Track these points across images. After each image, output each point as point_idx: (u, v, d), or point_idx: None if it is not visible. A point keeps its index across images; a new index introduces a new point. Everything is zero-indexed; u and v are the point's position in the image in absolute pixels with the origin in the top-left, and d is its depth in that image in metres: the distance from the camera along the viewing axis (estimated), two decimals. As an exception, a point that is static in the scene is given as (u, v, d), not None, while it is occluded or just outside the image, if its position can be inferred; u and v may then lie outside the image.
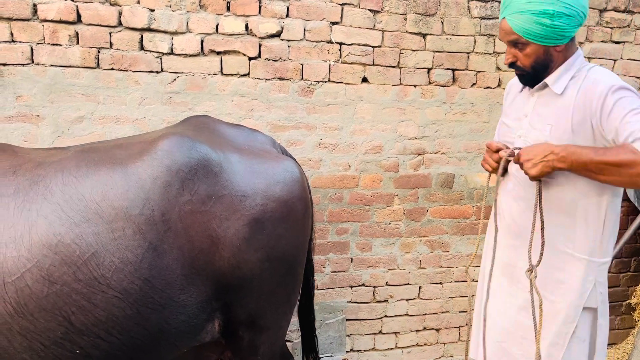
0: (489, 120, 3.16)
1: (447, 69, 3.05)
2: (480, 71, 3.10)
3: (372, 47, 2.92)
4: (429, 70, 3.03)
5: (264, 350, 2.13)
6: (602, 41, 3.22)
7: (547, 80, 1.83)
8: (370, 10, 2.88)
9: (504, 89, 3.10)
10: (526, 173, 1.73)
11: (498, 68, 3.13)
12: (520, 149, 1.81)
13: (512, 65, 1.86)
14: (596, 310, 1.83)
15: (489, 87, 3.13)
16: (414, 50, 2.98)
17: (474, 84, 3.10)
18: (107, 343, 1.71)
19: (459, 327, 3.33)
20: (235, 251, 1.88)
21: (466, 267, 2.29)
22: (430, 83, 3.04)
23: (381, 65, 2.95)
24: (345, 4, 2.83)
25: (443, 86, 3.06)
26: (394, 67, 2.97)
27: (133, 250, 1.71)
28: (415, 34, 2.96)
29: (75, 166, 1.77)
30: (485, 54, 3.09)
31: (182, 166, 1.82)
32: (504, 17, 1.79)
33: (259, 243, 1.93)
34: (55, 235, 1.64)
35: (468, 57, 3.07)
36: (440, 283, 3.26)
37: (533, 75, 1.84)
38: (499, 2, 3.03)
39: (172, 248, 1.78)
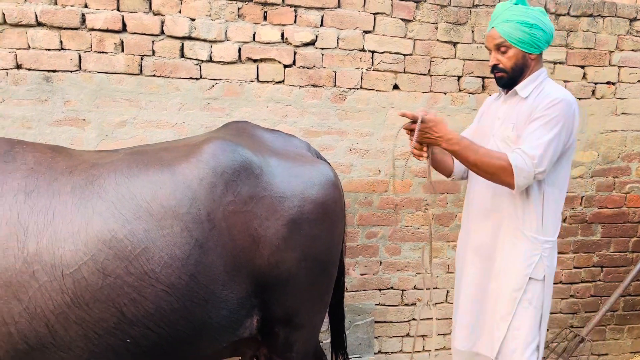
0: (517, 128, 3.19)
1: (477, 76, 3.10)
2: (509, 79, 3.14)
3: (404, 55, 3.00)
4: (459, 77, 3.09)
5: (298, 347, 2.20)
6: (632, 50, 3.25)
7: (517, 87, 2.20)
8: (402, 19, 2.95)
9: (533, 96, 3.16)
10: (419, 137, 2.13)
11: (527, 76, 3.16)
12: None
13: (494, 67, 2.21)
14: (543, 281, 2.17)
15: (518, 95, 3.17)
16: (444, 59, 3.05)
17: (503, 92, 3.15)
18: (155, 334, 1.81)
19: (486, 331, 3.36)
20: (274, 250, 1.96)
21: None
22: (460, 90, 3.10)
23: (412, 73, 3.02)
24: (378, 13, 2.92)
25: (473, 93, 3.12)
26: (424, 74, 3.04)
27: (180, 247, 1.80)
28: (446, 42, 3.03)
29: (126, 167, 1.87)
30: (514, 62, 3.13)
31: (226, 168, 1.91)
32: (493, 27, 2.17)
33: (296, 243, 2.00)
34: (109, 231, 1.75)
35: (497, 65, 3.12)
36: (468, 288, 3.29)
37: (511, 77, 2.19)
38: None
39: (216, 246, 1.87)
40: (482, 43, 3.07)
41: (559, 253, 3.36)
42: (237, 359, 2.36)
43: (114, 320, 1.75)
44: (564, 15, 3.13)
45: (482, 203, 2.31)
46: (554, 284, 3.39)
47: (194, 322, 1.87)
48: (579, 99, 3.25)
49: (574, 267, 3.45)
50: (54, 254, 1.71)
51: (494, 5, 3.05)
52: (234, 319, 1.98)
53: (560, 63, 3.20)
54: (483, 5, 3.03)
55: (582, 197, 3.37)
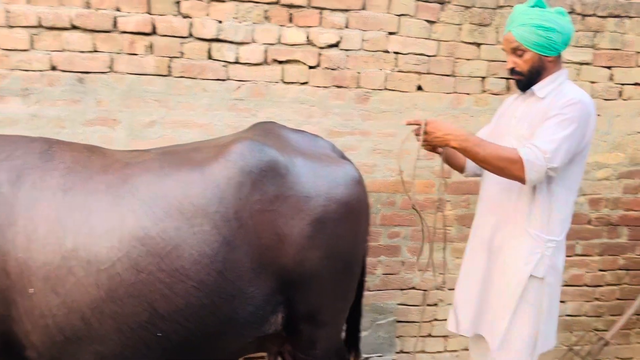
0: (542, 129, 3.19)
1: (501, 77, 3.10)
2: (534, 80, 3.14)
3: (428, 56, 3.02)
4: (483, 78, 3.10)
5: (321, 344, 2.24)
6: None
7: (534, 87, 2.21)
8: (426, 20, 2.97)
9: (558, 97, 3.15)
10: (425, 140, 2.20)
11: (552, 77, 3.16)
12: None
13: (512, 71, 2.22)
14: (543, 280, 2.17)
15: (542, 96, 3.16)
16: (468, 60, 3.06)
17: (527, 93, 3.14)
18: (184, 329, 1.87)
19: (508, 332, 3.36)
20: (299, 248, 2.01)
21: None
22: (484, 91, 3.11)
23: (436, 74, 3.04)
24: (403, 14, 2.94)
25: (497, 94, 3.12)
26: (448, 75, 3.05)
27: (210, 244, 1.86)
28: (470, 43, 3.04)
29: (158, 167, 1.94)
30: (539, 63, 3.12)
31: (254, 168, 1.96)
32: (509, 30, 2.18)
33: (320, 241, 2.04)
34: (142, 228, 1.82)
35: (522, 66, 3.12)
36: (490, 288, 3.30)
37: (528, 79, 2.20)
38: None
39: (243, 243, 1.92)
40: (507, 44, 3.07)
41: (584, 255, 3.37)
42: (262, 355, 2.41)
43: (146, 314, 1.82)
44: (590, 15, 3.11)
45: (490, 198, 2.34)
46: (578, 286, 3.40)
47: (222, 318, 1.93)
48: (606, 100, 3.24)
49: (599, 270, 3.42)
50: (89, 250, 1.79)
51: (519, 6, 3.04)
52: (260, 315, 2.04)
53: (586, 64, 3.18)
54: (508, 6, 3.03)
55: (608, 199, 3.34)
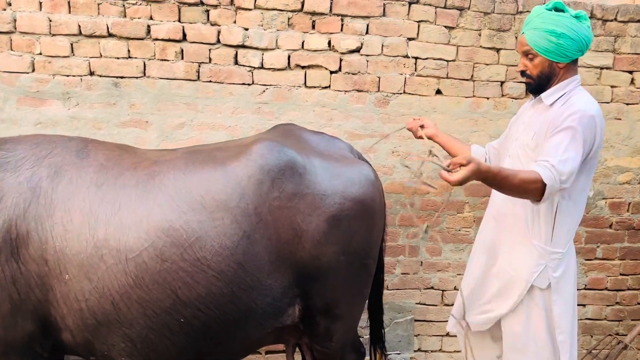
0: (562, 132, 3.21)
1: (521, 82, 3.14)
2: (554, 84, 3.17)
3: (447, 61, 3.09)
4: (502, 83, 3.15)
5: (337, 337, 2.33)
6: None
7: (543, 95, 2.19)
8: (445, 26, 3.05)
9: (578, 101, 3.17)
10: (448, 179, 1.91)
11: (572, 81, 3.18)
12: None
13: (522, 73, 2.22)
14: (547, 289, 2.19)
15: (562, 100, 3.19)
16: (487, 64, 3.12)
17: (547, 97, 3.18)
18: (205, 315, 2.00)
19: (527, 335, 3.38)
20: (315, 244, 2.11)
21: None
22: (503, 95, 3.16)
23: (455, 79, 3.11)
24: (422, 21, 3.02)
25: (516, 98, 3.17)
26: (467, 80, 3.11)
27: (230, 237, 1.98)
28: (489, 48, 3.10)
29: (184, 165, 2.08)
30: (559, 67, 3.16)
31: (273, 167, 2.08)
32: (523, 33, 2.17)
33: (335, 238, 2.14)
34: (167, 221, 1.95)
35: (542, 70, 3.15)
36: (509, 290, 3.33)
37: (537, 84, 2.19)
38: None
39: (262, 237, 2.04)
40: (526, 49, 3.11)
41: (605, 259, 3.37)
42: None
43: (170, 301, 1.95)
44: (610, 20, 3.13)
45: (496, 203, 2.35)
46: (599, 289, 3.39)
47: (241, 307, 2.05)
48: (627, 104, 3.24)
49: (620, 274, 3.41)
50: (119, 240, 1.93)
51: (539, 12, 3.09)
52: (277, 306, 2.14)
53: (607, 68, 3.20)
54: (527, 12, 3.08)
55: (630, 203, 3.33)
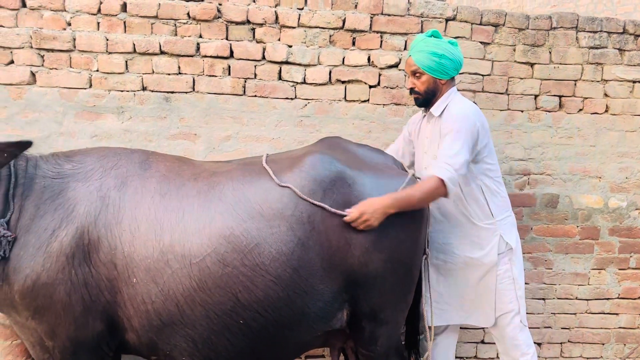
0: (595, 145, 3.29)
1: (554, 95, 3.24)
2: (587, 98, 3.26)
3: (482, 75, 3.19)
4: (535, 96, 3.24)
5: (382, 342, 2.42)
6: None
7: (432, 109, 2.60)
8: (481, 42, 3.16)
9: (611, 114, 3.26)
10: (367, 227, 2.21)
11: (606, 95, 3.26)
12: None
13: (411, 90, 2.62)
14: (509, 251, 2.62)
15: (595, 113, 3.27)
16: (521, 78, 3.21)
17: (580, 110, 3.26)
18: (263, 318, 2.11)
19: (560, 343, 3.43)
20: (364, 251, 2.22)
21: None
22: (537, 108, 3.25)
23: (490, 92, 3.21)
24: (458, 37, 3.13)
25: (549, 111, 3.25)
26: (502, 93, 3.21)
27: (286, 244, 2.11)
28: (523, 63, 3.20)
29: (241, 175, 2.21)
30: (592, 81, 3.24)
31: (324, 178, 2.20)
32: (410, 55, 2.57)
33: (383, 245, 2.25)
34: (228, 228, 2.08)
35: (575, 84, 3.25)
36: (543, 299, 3.40)
37: (425, 99, 2.60)
38: (608, 33, 3.19)
39: (315, 245, 2.15)
40: (560, 63, 3.21)
41: (638, 269, 3.42)
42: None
43: (230, 304, 2.07)
44: (642, 36, 3.22)
45: (442, 206, 2.69)
46: (632, 299, 3.44)
47: (295, 310, 2.16)
48: (659, 116, 3.31)
49: (654, 284, 3.46)
50: (183, 246, 2.07)
51: (573, 28, 3.18)
52: (328, 310, 2.26)
53: (639, 82, 3.27)
54: (561, 27, 3.17)
55: (663, 213, 3.39)
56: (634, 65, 3.24)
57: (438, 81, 2.56)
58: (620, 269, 3.43)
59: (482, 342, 3.41)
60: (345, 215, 2.18)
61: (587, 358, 3.51)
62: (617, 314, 3.47)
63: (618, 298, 3.46)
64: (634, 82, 3.27)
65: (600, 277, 3.43)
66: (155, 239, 2.08)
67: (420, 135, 2.74)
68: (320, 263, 2.17)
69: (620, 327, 3.48)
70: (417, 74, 2.56)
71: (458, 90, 3.14)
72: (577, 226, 3.36)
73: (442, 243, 2.71)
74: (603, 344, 3.50)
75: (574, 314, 3.45)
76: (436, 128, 2.59)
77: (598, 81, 3.25)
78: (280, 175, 2.22)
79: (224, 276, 2.06)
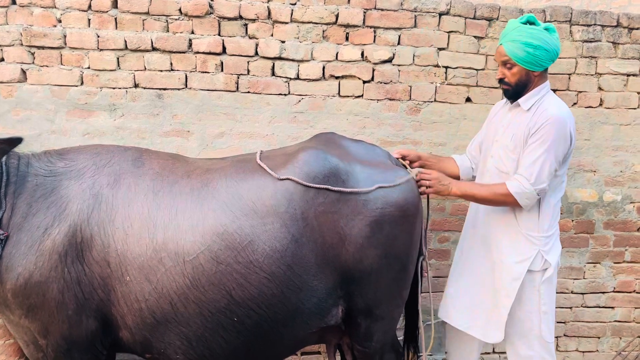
0: (589, 138, 3.29)
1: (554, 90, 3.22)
2: (581, 91, 3.26)
3: (476, 69, 3.18)
4: (530, 90, 3.22)
5: (377, 337, 2.42)
6: None
7: (520, 100, 2.45)
8: (474, 36, 3.15)
9: (606, 108, 3.26)
10: (423, 192, 2.47)
11: (600, 88, 3.26)
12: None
13: (501, 81, 2.48)
14: (542, 272, 2.46)
15: (590, 107, 3.27)
16: (515, 73, 3.19)
17: (574, 104, 3.26)
18: (257, 315, 2.11)
19: (556, 337, 3.44)
20: (359, 247, 2.21)
21: None
22: (531, 102, 3.23)
23: (484, 86, 3.20)
24: (452, 31, 3.12)
25: (544, 105, 3.24)
26: (496, 87, 3.20)
27: (280, 240, 2.10)
28: (517, 57, 3.18)
29: (235, 172, 2.20)
30: (586, 75, 3.24)
31: (318, 174, 2.19)
32: (501, 44, 2.41)
33: (378, 241, 2.24)
34: (221, 225, 2.07)
35: (569, 78, 3.24)
36: (539, 293, 3.39)
37: (514, 91, 2.45)
38: (602, 26, 3.19)
39: (309, 241, 2.15)
40: (554, 57, 3.20)
41: (633, 262, 3.42)
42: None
43: (224, 301, 2.06)
44: (636, 29, 3.20)
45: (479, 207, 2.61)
46: (627, 292, 3.45)
47: (289, 307, 2.16)
48: (653, 109, 3.31)
49: (649, 277, 3.47)
50: (177, 244, 2.05)
51: (566, 21, 3.18)
52: (323, 306, 2.25)
53: (633, 75, 3.27)
54: (555, 21, 3.16)
55: (658, 207, 3.39)
56: (628, 59, 3.23)
57: (531, 73, 2.40)
58: (615, 263, 3.44)
59: (478, 336, 3.41)
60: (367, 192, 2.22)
61: (583, 352, 3.53)
62: (612, 307, 3.48)
63: (613, 292, 3.47)
64: (628, 75, 3.27)
65: (596, 270, 3.44)
66: (148, 237, 2.06)
67: (495, 121, 2.63)
68: (314, 259, 2.16)
69: (615, 321, 3.49)
70: (509, 65, 2.41)
71: (451, 85, 3.16)
72: (572, 220, 3.37)
73: (484, 235, 2.62)
74: (599, 338, 3.52)
75: (570, 307, 3.46)
76: (521, 121, 2.43)
77: (592, 75, 3.25)
78: (275, 171, 2.21)
79: (218, 274, 2.05)
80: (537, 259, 2.46)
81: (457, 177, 2.76)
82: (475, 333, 2.64)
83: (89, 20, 2.89)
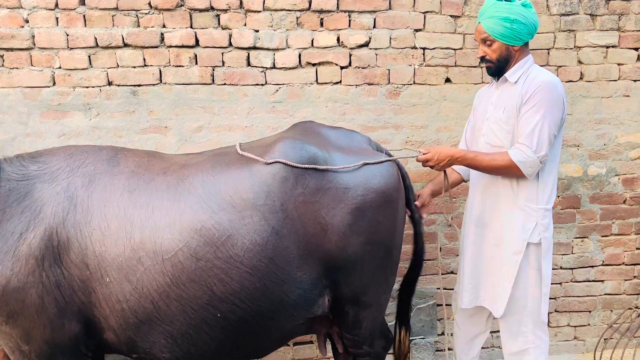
0: (571, 113, 3.27)
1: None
2: (561, 66, 3.23)
3: (454, 49, 3.15)
4: (509, 68, 3.20)
5: (366, 324, 2.41)
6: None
7: (507, 74, 2.46)
8: (451, 15, 3.11)
9: (587, 81, 3.24)
10: (432, 167, 2.49)
11: (579, 62, 3.24)
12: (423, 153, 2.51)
13: (482, 59, 2.50)
14: (539, 245, 2.44)
15: (570, 81, 3.25)
16: (494, 50, 3.16)
17: (555, 79, 3.23)
18: (240, 309, 2.08)
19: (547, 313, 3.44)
20: (341, 236, 2.18)
21: None
22: (511, 80, 3.21)
23: (463, 66, 3.17)
24: (428, 12, 3.08)
25: (524, 82, 3.21)
26: (475, 67, 3.17)
27: (260, 233, 2.07)
28: (495, 34, 3.15)
29: (211, 167, 2.16)
30: (565, 49, 3.21)
31: (296, 164, 2.15)
32: (479, 22, 2.44)
33: (360, 229, 2.22)
34: (199, 221, 2.04)
35: (548, 52, 3.21)
36: (528, 270, 3.39)
37: (497, 67, 2.47)
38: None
39: (290, 232, 2.12)
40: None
41: (620, 235, 3.43)
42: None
43: (206, 297, 2.04)
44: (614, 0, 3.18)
45: (481, 178, 2.60)
46: (616, 265, 3.46)
47: (274, 300, 2.13)
48: (634, 80, 3.29)
49: (637, 249, 3.47)
50: (155, 242, 2.02)
51: (541, -4, 3.14)
52: (308, 297, 2.23)
53: (613, 47, 3.25)
54: (531, -4, 3.13)
55: (642, 178, 3.39)
56: (606, 30, 3.21)
57: (511, 48, 2.43)
58: (603, 236, 3.44)
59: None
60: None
61: (575, 326, 3.54)
62: (602, 281, 3.49)
63: (602, 265, 3.48)
64: (607, 47, 3.24)
65: (584, 245, 3.45)
66: (125, 237, 2.03)
67: (483, 102, 2.64)
68: (296, 251, 2.14)
69: (605, 294, 3.51)
70: (488, 42, 2.44)
71: (430, 66, 3.13)
72: (558, 196, 3.36)
73: (478, 215, 2.63)
74: (590, 312, 3.53)
75: (559, 283, 3.47)
76: (511, 93, 2.44)
77: (571, 48, 3.22)
78: (252, 163, 2.18)
79: (198, 270, 2.02)
80: (535, 231, 2.45)
81: (461, 181, 2.83)
82: (485, 304, 2.64)
83: (57, 19, 2.83)
